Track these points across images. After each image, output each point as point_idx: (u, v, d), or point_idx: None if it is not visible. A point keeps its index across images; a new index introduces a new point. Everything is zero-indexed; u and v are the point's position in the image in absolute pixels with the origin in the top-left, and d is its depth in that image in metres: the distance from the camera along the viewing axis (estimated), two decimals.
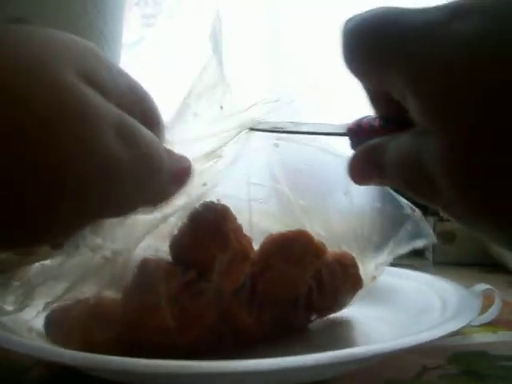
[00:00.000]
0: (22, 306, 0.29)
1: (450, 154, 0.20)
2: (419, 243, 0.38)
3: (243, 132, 0.31)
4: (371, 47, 0.22)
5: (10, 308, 0.29)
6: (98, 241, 0.29)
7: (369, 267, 0.38)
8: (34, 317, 0.30)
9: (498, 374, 0.33)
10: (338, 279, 0.36)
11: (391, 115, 0.25)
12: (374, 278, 0.39)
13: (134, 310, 0.30)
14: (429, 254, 0.70)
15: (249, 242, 0.33)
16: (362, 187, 0.35)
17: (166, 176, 0.27)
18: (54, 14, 0.48)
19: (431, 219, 0.65)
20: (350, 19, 0.23)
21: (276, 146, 0.33)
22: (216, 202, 0.32)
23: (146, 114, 0.27)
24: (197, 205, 0.31)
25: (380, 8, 0.22)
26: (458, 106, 0.19)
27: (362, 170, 0.26)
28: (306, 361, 0.26)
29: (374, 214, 0.37)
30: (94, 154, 0.23)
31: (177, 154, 0.29)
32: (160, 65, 0.81)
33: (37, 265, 0.30)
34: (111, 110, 0.24)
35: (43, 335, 0.31)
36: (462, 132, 0.20)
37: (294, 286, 0.35)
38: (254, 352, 0.29)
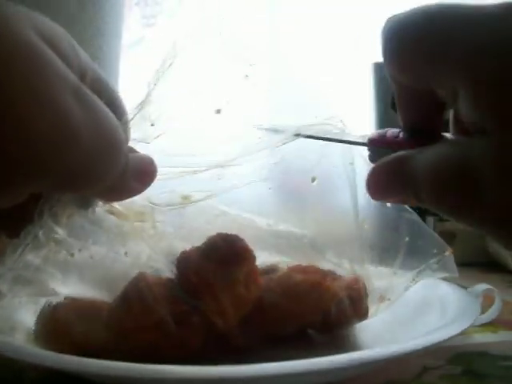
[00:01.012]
0: None
1: (506, 152, 0.18)
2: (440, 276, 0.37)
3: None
4: (416, 45, 0.21)
5: None
6: (60, 232, 0.27)
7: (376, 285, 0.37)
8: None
9: (497, 374, 0.33)
10: (346, 313, 0.35)
11: (417, 127, 0.23)
12: (381, 297, 0.37)
13: (122, 328, 0.29)
14: None
15: (258, 287, 0.32)
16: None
17: (124, 162, 0.24)
18: (52, 11, 0.48)
19: (431, 219, 0.65)
20: (391, 18, 0.22)
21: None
22: (239, 238, 0.31)
23: (111, 104, 0.25)
24: (218, 234, 0.31)
25: (420, 6, 0.21)
26: None
27: (385, 183, 0.24)
28: (307, 366, 0.26)
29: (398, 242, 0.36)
30: (46, 107, 0.21)
31: (140, 153, 0.27)
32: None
33: None
34: (70, 74, 0.22)
35: (28, 334, 0.31)
36: None
37: (297, 323, 0.34)
38: (253, 355, 0.29)
